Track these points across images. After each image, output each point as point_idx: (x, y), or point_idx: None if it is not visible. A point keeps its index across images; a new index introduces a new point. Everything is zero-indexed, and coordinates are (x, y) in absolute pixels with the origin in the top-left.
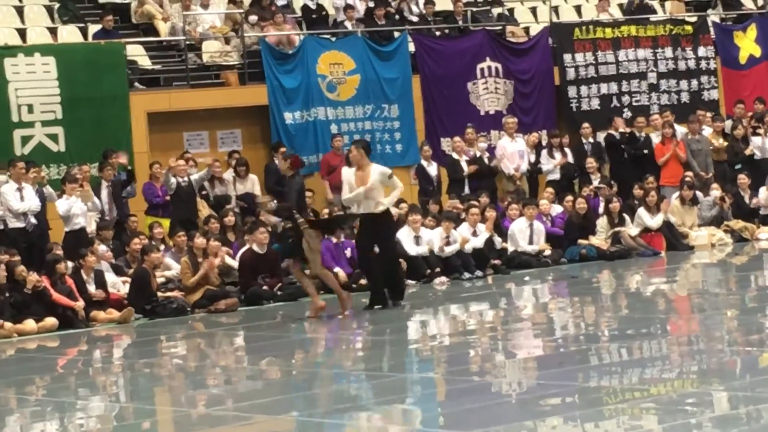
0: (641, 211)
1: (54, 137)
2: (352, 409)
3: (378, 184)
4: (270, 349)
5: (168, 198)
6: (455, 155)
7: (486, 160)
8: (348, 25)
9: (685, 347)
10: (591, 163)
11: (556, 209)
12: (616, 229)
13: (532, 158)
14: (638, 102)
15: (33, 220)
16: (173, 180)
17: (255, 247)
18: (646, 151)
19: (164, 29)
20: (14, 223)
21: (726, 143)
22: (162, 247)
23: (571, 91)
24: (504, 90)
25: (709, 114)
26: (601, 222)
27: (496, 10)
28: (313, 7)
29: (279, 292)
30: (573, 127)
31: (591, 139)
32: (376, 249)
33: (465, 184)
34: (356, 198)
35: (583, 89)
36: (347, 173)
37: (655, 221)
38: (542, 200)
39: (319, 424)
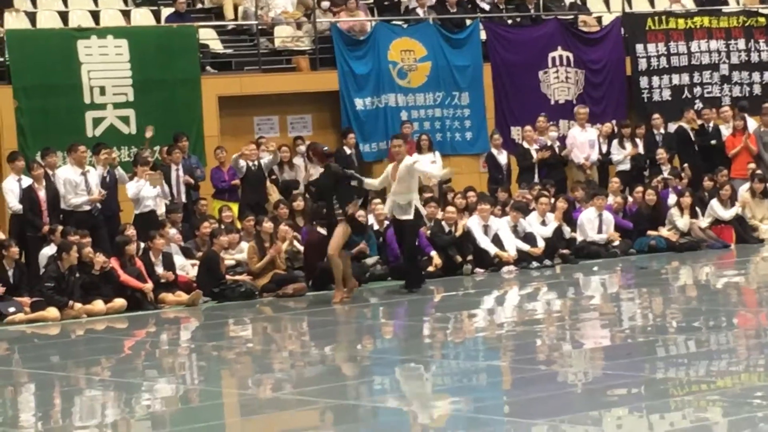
0: (714, 203)
1: (125, 119)
2: (417, 396)
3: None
4: (337, 334)
5: (234, 183)
6: (525, 144)
7: (556, 149)
8: (420, 12)
9: (753, 340)
10: (661, 154)
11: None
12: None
13: (605, 148)
14: (710, 93)
15: (98, 204)
16: (242, 164)
17: (321, 230)
18: (713, 142)
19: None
20: (80, 206)
21: None
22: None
23: (643, 82)
24: (575, 79)
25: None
26: (673, 213)
27: None
28: None
29: None
30: (644, 118)
31: (662, 130)
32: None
33: (535, 173)
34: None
35: (655, 80)
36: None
37: (728, 213)
38: (617, 198)
39: (383, 410)
